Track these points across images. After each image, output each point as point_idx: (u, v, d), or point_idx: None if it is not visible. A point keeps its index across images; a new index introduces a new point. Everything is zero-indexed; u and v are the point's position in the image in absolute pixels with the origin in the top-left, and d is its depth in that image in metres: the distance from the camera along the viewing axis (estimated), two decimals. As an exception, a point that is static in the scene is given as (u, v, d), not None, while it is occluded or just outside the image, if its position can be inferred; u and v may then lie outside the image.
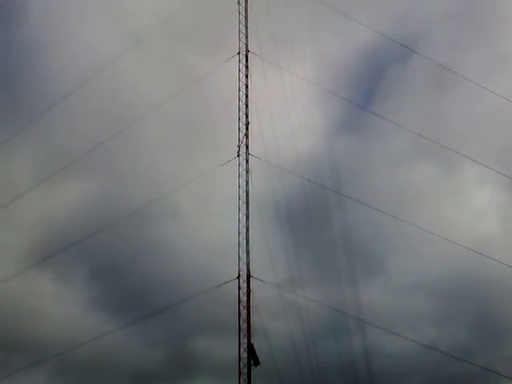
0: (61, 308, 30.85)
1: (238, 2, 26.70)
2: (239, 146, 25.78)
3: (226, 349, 26.55)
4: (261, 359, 24.22)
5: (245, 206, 25.15)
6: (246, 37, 26.20)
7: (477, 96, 33.62)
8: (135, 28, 33.52)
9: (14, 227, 30.60)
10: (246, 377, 23.88)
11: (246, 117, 25.81)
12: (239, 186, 25.39)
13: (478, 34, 37.49)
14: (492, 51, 36.88)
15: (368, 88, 33.98)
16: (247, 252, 24.92)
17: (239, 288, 24.54)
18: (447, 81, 33.42)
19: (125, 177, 31.12)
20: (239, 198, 25.24)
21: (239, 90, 25.95)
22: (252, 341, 24.13)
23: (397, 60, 35.36)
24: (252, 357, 24.05)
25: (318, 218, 26.98)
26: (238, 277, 24.73)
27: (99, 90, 31.38)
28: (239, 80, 26.02)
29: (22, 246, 30.79)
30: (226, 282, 24.80)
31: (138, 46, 30.80)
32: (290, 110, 26.72)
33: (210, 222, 27.99)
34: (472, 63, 35.82)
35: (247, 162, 25.77)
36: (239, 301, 24.54)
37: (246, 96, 25.87)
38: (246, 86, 25.96)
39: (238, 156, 25.80)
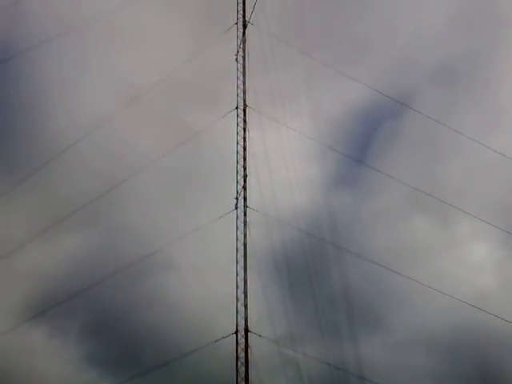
0: (54, 364, 30.24)
1: (236, 59, 27.26)
2: (237, 199, 25.86)
3: (224, 407, 25.92)
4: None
5: (243, 258, 25.06)
6: (244, 92, 26.65)
7: (471, 151, 34.04)
8: (132, 84, 33.99)
9: (8, 280, 30.28)
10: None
11: (244, 169, 26.00)
12: (237, 239, 25.31)
13: (471, 89, 38.15)
14: (485, 107, 37.47)
15: (363, 143, 34.34)
16: (245, 306, 24.63)
17: (237, 343, 24.15)
18: (441, 136, 33.84)
19: (121, 230, 31.07)
20: (237, 251, 25.13)
21: (237, 143, 26.23)
22: (250, 399, 23.62)
23: (391, 116, 35.90)
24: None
25: (317, 271, 26.85)
26: (236, 332, 24.35)
27: (96, 145, 31.63)
28: (237, 133, 26.33)
29: (15, 300, 30.42)
30: (224, 337, 24.43)
31: (135, 103, 31.16)
32: (287, 164, 26.97)
33: (207, 276, 27.79)
34: (465, 119, 36.33)
35: (245, 214, 25.79)
36: (237, 357, 24.11)
37: (244, 149, 26.13)
38: (244, 140, 26.24)
39: (236, 208, 25.84)
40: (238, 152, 26.18)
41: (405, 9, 38.08)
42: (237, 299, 24.63)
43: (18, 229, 31.95)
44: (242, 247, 25.21)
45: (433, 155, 35.61)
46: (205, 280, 27.86)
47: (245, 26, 27.12)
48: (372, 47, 35.30)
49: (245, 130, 26.32)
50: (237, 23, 27.29)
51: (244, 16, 27.31)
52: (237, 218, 25.69)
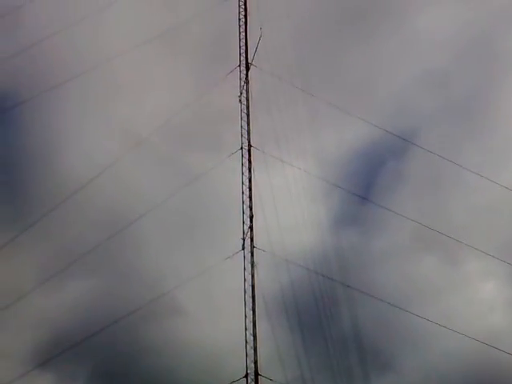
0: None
1: (240, 100, 27.42)
2: (244, 239, 25.68)
3: None
4: None
5: (251, 300, 24.74)
6: (248, 132, 26.77)
7: (476, 188, 34.03)
8: (135, 129, 34.16)
9: (16, 327, 29.88)
10: None
11: (250, 209, 25.90)
12: (245, 280, 25.05)
13: (474, 126, 38.38)
14: (489, 143, 37.64)
15: (367, 182, 34.38)
16: (255, 349, 24.23)
17: (248, 387, 23.72)
18: (445, 173, 33.87)
19: (127, 275, 30.80)
20: (245, 292, 24.84)
21: (242, 183, 26.20)
22: None
23: (395, 154, 36.03)
24: None
25: (326, 311, 26.50)
26: (246, 375, 23.92)
27: (100, 191, 31.60)
28: (242, 174, 26.32)
29: (23, 347, 29.97)
30: (234, 382, 23.97)
31: (138, 148, 31.26)
32: (293, 203, 26.88)
33: (216, 318, 27.41)
34: (469, 155, 36.43)
35: (252, 254, 25.57)
36: (248, 402, 23.67)
37: (250, 189, 26.08)
38: (250, 180, 26.22)
39: (243, 249, 25.64)
40: (243, 192, 26.13)
41: (406, 49, 38.67)
42: (246, 342, 24.24)
43: (24, 275, 31.73)
44: (250, 288, 24.95)
45: (437, 192, 35.63)
46: (213, 323, 27.50)
47: (248, 68, 27.43)
48: (374, 87, 35.67)
49: (250, 170, 26.34)
50: (239, 65, 27.59)
51: (247, 58, 27.63)
52: (244, 258, 25.48)
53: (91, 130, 35.89)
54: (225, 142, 28.30)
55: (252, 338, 24.30)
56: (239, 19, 28.12)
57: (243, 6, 28.23)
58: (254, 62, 27.39)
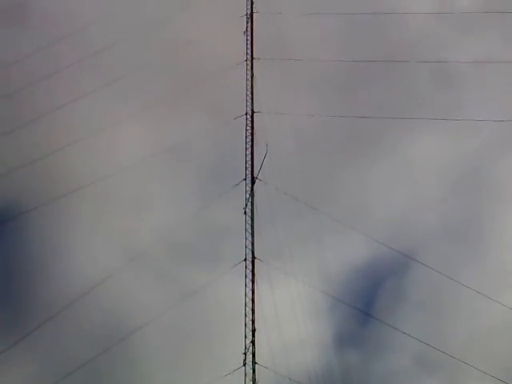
0: None
1: (245, 212, 27.64)
2: (245, 354, 24.98)
3: None
4: None
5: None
6: (252, 244, 26.79)
7: (478, 309, 33.69)
8: (136, 243, 34.10)
9: None
10: None
11: (253, 323, 25.40)
12: (246, 397, 24.20)
13: (473, 248, 38.52)
14: (489, 265, 37.64)
15: (369, 300, 34.08)
16: None
17: None
18: (446, 293, 33.67)
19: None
20: (246, 411, 23.94)
21: (245, 295, 25.88)
22: None
23: (395, 272, 35.93)
24: None
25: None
26: None
27: (97, 304, 31.08)
28: (245, 285, 26.07)
29: None
30: None
31: (138, 261, 31.10)
32: (296, 318, 26.44)
33: None
34: (469, 277, 36.33)
35: (254, 371, 24.81)
36: None
37: (253, 301, 25.73)
38: (253, 292, 25.92)
39: (244, 365, 24.89)
40: (246, 304, 25.74)
41: (402, 173, 39.61)
42: None
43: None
44: (252, 408, 24.08)
45: (438, 312, 35.22)
46: None
47: (253, 182, 27.93)
48: (373, 206, 36.15)
49: (253, 281, 26.10)
50: (245, 178, 28.14)
51: (252, 172, 28.21)
52: (245, 375, 24.73)
53: (91, 243, 35.78)
54: (228, 254, 28.32)
55: None
56: (246, 136, 29.00)
57: (250, 125, 29.19)
58: (259, 176, 27.98)
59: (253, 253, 26.51)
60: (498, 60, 36.81)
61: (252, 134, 28.86)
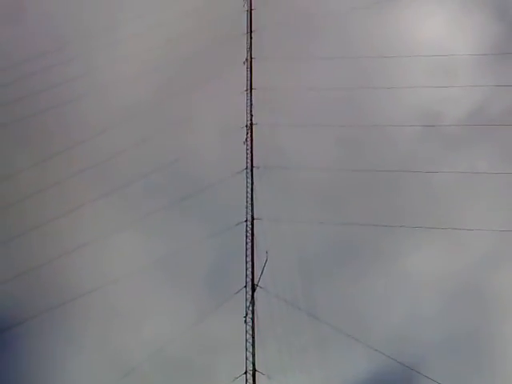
0: None
1: (245, 321, 26.80)
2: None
3: None
4: None
5: None
6: (253, 355, 25.76)
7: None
8: (126, 359, 32.95)
9: None
10: None
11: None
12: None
13: (475, 362, 37.45)
14: (491, 378, 36.46)
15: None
16: None
17: None
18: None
19: None
20: None
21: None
22: None
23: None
24: None
25: None
26: None
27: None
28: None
29: None
30: None
31: (130, 378, 29.88)
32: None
33: None
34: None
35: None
36: None
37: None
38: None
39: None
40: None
41: (400, 286, 39.14)
42: None
43: None
44: None
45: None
46: None
47: (254, 289, 27.32)
48: (374, 317, 35.41)
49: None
50: (245, 286, 27.53)
51: (253, 279, 27.68)
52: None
53: (82, 357, 34.56)
54: (227, 367, 27.24)
55: None
56: (246, 243, 28.73)
57: (250, 232, 29.07)
58: (259, 284, 27.42)
59: (253, 365, 25.43)
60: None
61: (252, 240, 28.68)
